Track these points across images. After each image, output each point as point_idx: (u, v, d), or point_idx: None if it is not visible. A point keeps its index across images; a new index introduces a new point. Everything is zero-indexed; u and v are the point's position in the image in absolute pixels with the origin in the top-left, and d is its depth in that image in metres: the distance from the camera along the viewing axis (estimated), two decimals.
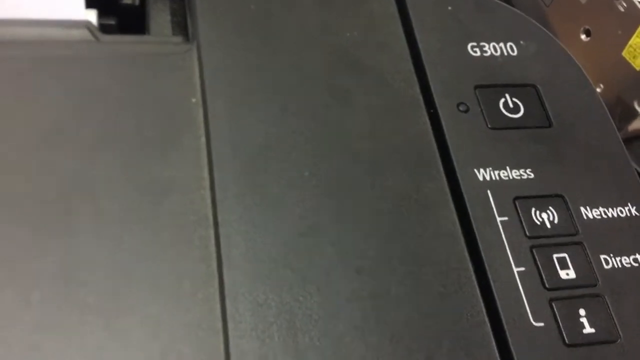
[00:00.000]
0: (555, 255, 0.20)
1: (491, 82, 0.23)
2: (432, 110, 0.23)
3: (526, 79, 0.24)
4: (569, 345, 0.19)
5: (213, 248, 0.19)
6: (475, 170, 0.21)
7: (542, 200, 0.21)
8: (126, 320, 0.18)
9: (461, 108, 0.23)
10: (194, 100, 0.21)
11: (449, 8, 0.25)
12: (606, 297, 0.20)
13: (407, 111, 0.22)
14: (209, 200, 0.20)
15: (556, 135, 0.23)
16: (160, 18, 0.26)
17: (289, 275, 0.19)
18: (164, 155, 0.20)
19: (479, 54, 0.24)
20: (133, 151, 0.20)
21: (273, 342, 0.18)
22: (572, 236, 0.21)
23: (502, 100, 0.23)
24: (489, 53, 0.24)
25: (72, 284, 0.18)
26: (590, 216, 0.21)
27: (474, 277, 0.19)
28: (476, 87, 0.23)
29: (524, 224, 0.21)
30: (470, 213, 0.21)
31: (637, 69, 0.35)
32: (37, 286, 0.18)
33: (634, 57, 0.35)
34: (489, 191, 0.21)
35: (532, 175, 0.22)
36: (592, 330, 0.19)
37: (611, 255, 0.21)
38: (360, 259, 0.19)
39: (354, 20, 0.24)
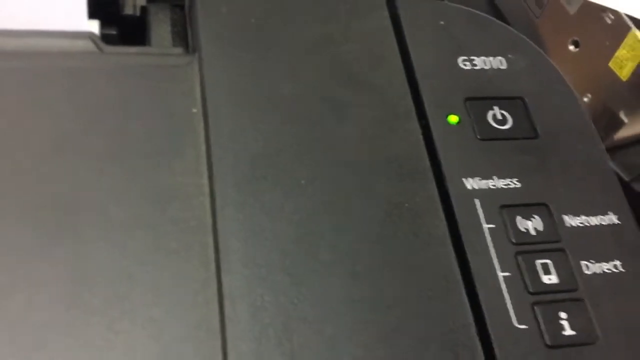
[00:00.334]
0: (538, 261, 0.21)
1: (481, 95, 0.24)
2: (423, 122, 0.24)
3: (514, 92, 0.25)
4: (550, 347, 0.20)
5: (212, 253, 0.20)
6: (464, 180, 0.22)
7: (527, 209, 0.22)
8: (129, 322, 0.18)
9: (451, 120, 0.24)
10: (195, 110, 0.22)
11: (441, 23, 0.26)
12: (586, 301, 0.21)
13: (399, 122, 0.23)
14: (209, 208, 0.20)
15: (542, 146, 0.24)
16: (160, 29, 0.27)
17: (285, 280, 0.19)
18: (166, 164, 0.21)
19: (469, 67, 0.25)
20: (136, 160, 0.21)
21: (269, 343, 0.18)
22: (555, 243, 0.22)
23: (491, 112, 0.24)
24: (479, 66, 0.25)
25: (78, 287, 0.19)
26: (573, 224, 0.22)
27: (461, 282, 0.20)
28: (466, 99, 0.24)
29: (509, 231, 0.21)
30: (458, 220, 0.21)
31: (623, 79, 0.36)
32: (44, 289, 0.19)
33: (620, 68, 0.36)
34: (476, 200, 0.22)
35: (519, 185, 0.23)
36: (573, 333, 0.20)
37: (592, 261, 0.21)
38: (354, 264, 0.20)
39: (350, 34, 0.25)
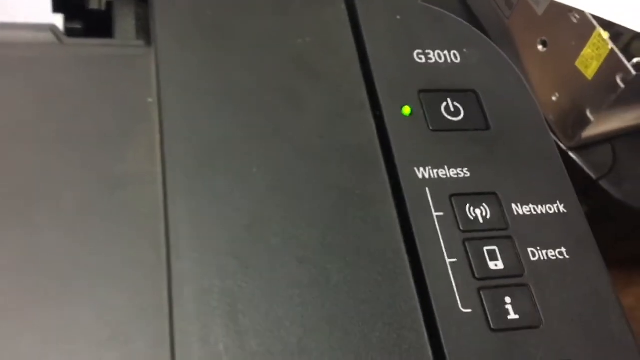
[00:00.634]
0: (485, 248, 0.22)
1: (434, 87, 0.25)
2: (377, 113, 0.24)
3: (467, 85, 0.25)
4: (494, 330, 0.20)
5: (163, 238, 0.20)
6: (415, 169, 0.23)
7: (477, 197, 0.22)
8: (78, 305, 0.19)
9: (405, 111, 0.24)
10: (150, 100, 0.23)
11: (398, 17, 0.26)
12: (531, 286, 0.21)
13: (354, 113, 0.24)
14: (161, 194, 0.21)
15: (493, 137, 0.24)
16: (125, 22, 0.27)
17: (233, 264, 0.20)
18: (120, 151, 0.21)
19: (424, 60, 0.25)
20: (91, 147, 0.21)
21: (215, 325, 0.19)
22: (502, 230, 0.22)
23: (444, 104, 0.25)
24: (433, 60, 0.26)
25: (28, 272, 0.19)
26: (521, 212, 0.23)
27: (408, 267, 0.21)
28: (420, 91, 0.25)
29: (458, 218, 0.22)
30: (409, 208, 0.22)
31: (589, 78, 0.37)
32: None
33: (586, 67, 0.37)
34: (427, 188, 0.22)
35: (469, 174, 0.23)
36: (516, 317, 0.20)
37: (538, 248, 0.22)
38: (303, 249, 0.20)
39: (306, 26, 0.25)
